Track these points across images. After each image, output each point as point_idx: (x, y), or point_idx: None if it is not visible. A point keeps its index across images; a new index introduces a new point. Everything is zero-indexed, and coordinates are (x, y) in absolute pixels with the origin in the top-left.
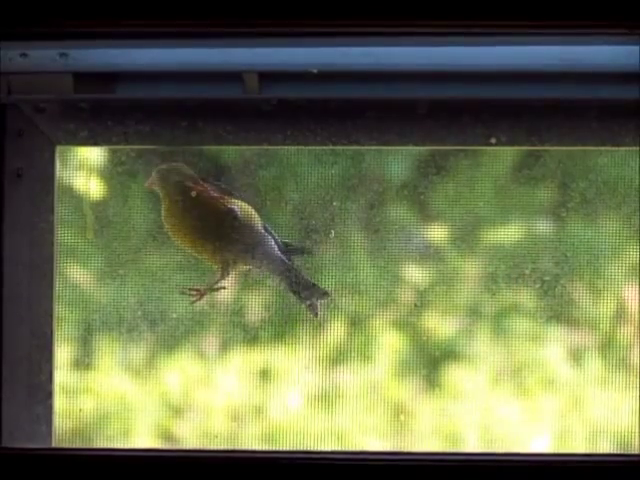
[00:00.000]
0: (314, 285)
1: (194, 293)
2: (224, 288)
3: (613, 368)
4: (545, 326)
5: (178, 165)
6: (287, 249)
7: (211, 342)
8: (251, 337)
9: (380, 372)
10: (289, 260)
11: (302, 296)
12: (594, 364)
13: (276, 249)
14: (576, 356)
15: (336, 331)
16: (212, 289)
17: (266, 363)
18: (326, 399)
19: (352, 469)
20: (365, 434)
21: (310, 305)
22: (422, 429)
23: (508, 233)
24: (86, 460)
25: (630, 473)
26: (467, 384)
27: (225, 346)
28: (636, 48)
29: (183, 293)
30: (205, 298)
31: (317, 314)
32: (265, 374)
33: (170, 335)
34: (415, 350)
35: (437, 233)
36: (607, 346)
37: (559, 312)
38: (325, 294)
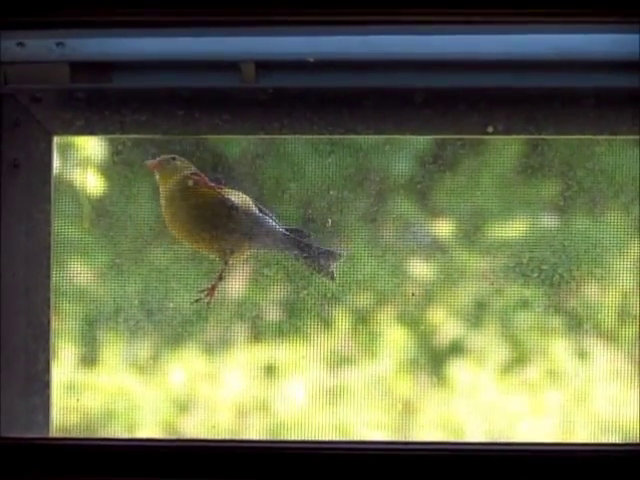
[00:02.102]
0: (324, 250)
1: (206, 293)
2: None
3: (618, 359)
4: (547, 315)
5: (183, 162)
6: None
7: (212, 334)
8: (254, 331)
9: (382, 365)
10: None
11: (315, 264)
12: (598, 356)
13: (278, 225)
14: (580, 348)
15: (335, 321)
16: (220, 278)
17: (269, 357)
18: (328, 393)
19: (354, 459)
20: (370, 428)
21: (325, 271)
22: (427, 422)
23: (506, 222)
24: (84, 450)
25: (634, 463)
26: (472, 377)
27: (227, 340)
28: (633, 36)
29: (197, 301)
30: (217, 291)
31: (334, 278)
32: (268, 368)
33: (168, 325)
34: (415, 342)
35: (435, 223)
36: (611, 337)
37: (558, 302)
38: (337, 255)
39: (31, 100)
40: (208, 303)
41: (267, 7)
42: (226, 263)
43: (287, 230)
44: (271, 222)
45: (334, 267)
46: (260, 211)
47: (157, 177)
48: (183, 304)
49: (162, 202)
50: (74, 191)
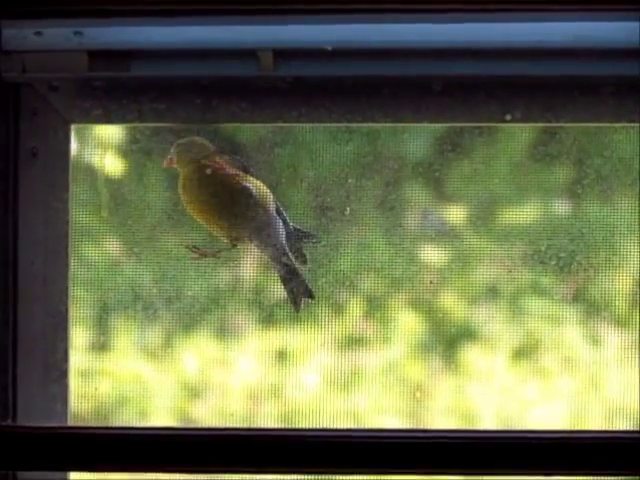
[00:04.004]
0: (304, 282)
1: (196, 251)
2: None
3: (630, 346)
4: (560, 304)
5: (196, 139)
6: (296, 233)
7: (227, 321)
8: (268, 317)
9: (397, 351)
10: (291, 251)
11: (290, 289)
12: (611, 343)
13: (283, 236)
14: (593, 335)
15: (352, 309)
16: (214, 255)
17: (286, 344)
18: (343, 379)
19: (368, 447)
20: (383, 414)
21: (295, 300)
22: (441, 408)
23: (523, 210)
24: (102, 439)
25: None
26: (484, 363)
27: (241, 326)
28: None
29: (187, 247)
30: (204, 259)
31: (299, 310)
32: (281, 354)
33: (186, 313)
34: (431, 329)
35: (453, 211)
36: (629, 325)
37: (575, 290)
38: (311, 295)
39: (49, 89)
40: (191, 258)
41: None
42: (229, 247)
43: (296, 229)
44: (281, 230)
45: (304, 302)
46: (277, 212)
47: (178, 168)
48: (201, 292)
49: (180, 186)
50: (92, 180)
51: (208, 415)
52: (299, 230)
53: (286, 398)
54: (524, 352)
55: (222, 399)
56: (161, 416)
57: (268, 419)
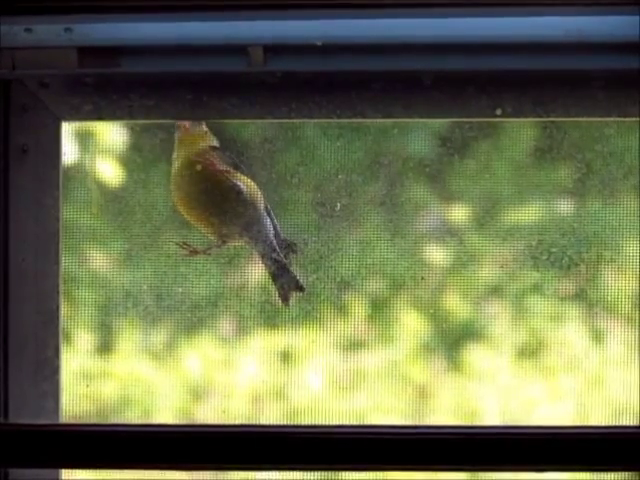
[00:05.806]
0: (295, 277)
1: (186, 248)
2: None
3: (629, 342)
4: (557, 298)
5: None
6: (280, 242)
7: (222, 319)
8: (264, 316)
9: (392, 349)
10: (280, 248)
11: (280, 285)
12: (609, 339)
13: (272, 232)
14: (594, 333)
15: (346, 306)
16: (205, 252)
17: (278, 342)
18: (337, 377)
19: (368, 443)
20: (386, 414)
21: (284, 294)
22: (441, 407)
23: (516, 206)
24: (94, 436)
25: None
26: (486, 363)
27: (242, 327)
28: None
29: (177, 244)
30: (197, 257)
31: (288, 305)
32: (277, 353)
33: (177, 311)
34: (426, 326)
35: (444, 206)
36: (622, 320)
37: (568, 284)
38: (301, 289)
39: (39, 85)
40: (181, 255)
41: None
42: (219, 245)
43: (283, 240)
44: (269, 226)
45: (293, 296)
46: (266, 211)
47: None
48: (193, 289)
49: (172, 174)
50: (82, 176)
51: (201, 414)
52: (285, 239)
53: (289, 400)
54: (528, 351)
55: (215, 398)
56: (154, 413)
57: (264, 420)
